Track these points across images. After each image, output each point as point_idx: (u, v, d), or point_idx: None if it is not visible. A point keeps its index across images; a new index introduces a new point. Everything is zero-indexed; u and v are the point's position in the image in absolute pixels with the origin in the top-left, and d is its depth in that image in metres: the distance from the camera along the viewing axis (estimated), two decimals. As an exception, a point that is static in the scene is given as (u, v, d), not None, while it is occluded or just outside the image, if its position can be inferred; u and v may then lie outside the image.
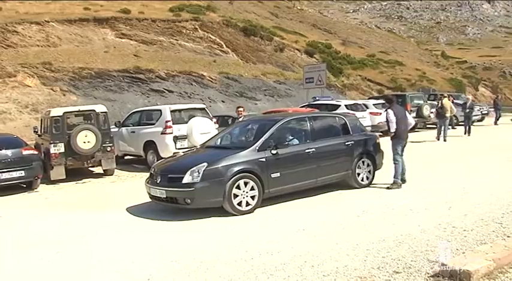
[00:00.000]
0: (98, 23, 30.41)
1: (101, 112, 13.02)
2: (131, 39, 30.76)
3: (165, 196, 7.96)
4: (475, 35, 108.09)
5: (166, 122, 13.24)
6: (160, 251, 6.12)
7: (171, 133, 13.14)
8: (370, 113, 20.11)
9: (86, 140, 12.27)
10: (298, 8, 79.22)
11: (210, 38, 34.18)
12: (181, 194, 7.76)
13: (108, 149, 12.79)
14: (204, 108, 14.61)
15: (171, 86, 27.60)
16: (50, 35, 27.69)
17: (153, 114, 14.43)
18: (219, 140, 9.76)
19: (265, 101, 30.15)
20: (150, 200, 8.53)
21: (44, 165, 11.99)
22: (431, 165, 12.29)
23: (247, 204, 7.87)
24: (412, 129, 21.27)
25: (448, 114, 18.51)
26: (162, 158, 11.55)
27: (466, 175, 10.47)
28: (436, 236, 5.99)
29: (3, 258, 6.35)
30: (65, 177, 12.27)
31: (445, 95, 21.26)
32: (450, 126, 20.00)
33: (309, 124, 9.17)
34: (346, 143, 9.34)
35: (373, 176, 9.75)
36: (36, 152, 11.96)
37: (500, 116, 25.88)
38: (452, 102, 20.06)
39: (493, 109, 27.42)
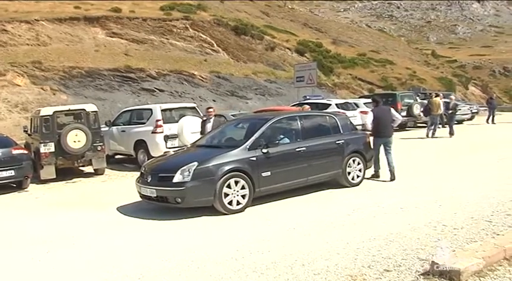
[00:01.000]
0: (88, 21, 30.27)
1: (91, 111, 12.97)
2: (122, 38, 30.64)
3: (155, 195, 7.94)
4: (465, 34, 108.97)
5: (157, 121, 13.22)
6: (151, 250, 6.10)
7: (162, 132, 13.12)
8: (361, 112, 20.13)
9: (76, 139, 12.22)
10: (289, 7, 79.14)
11: (201, 37, 34.15)
12: (171, 193, 7.74)
13: (99, 148, 12.76)
14: (194, 107, 14.61)
15: (161, 85, 27.51)
16: (40, 33, 27.54)
17: (143, 113, 14.36)
18: (210, 139, 9.72)
19: (256, 100, 30.14)
20: (140, 199, 8.51)
21: (34, 164, 11.92)
22: (421, 163, 12.35)
23: (238, 203, 7.87)
24: (403, 128, 21.70)
25: (435, 113, 18.68)
26: (153, 157, 11.50)
27: (456, 174, 10.53)
28: (427, 235, 6.01)
29: (-7, 258, 6.30)
30: (55, 176, 12.22)
31: (437, 93, 21.34)
32: (440, 125, 20.14)
33: (299, 123, 9.19)
34: (337, 142, 9.37)
35: (364, 175, 9.81)
36: (26, 152, 11.91)
37: (494, 116, 26.01)
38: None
39: (484, 108, 27.54)
